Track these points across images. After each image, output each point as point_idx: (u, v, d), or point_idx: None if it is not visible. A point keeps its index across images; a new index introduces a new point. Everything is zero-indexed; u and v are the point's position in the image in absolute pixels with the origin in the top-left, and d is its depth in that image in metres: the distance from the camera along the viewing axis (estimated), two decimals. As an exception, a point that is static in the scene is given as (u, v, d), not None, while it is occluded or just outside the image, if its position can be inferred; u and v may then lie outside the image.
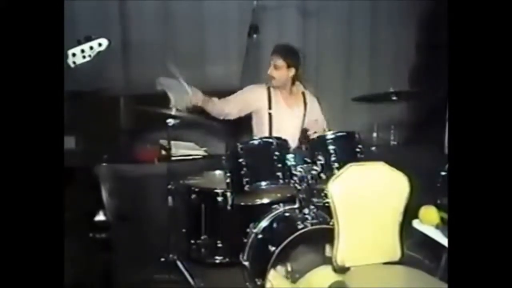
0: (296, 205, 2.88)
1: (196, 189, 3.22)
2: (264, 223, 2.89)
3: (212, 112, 3.40)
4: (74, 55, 2.23)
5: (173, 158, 3.40)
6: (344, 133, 2.90)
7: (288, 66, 3.40)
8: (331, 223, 2.36)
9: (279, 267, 2.65)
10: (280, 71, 3.40)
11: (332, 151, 2.80)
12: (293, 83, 3.50)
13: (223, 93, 4.07)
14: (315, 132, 3.35)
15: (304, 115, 3.55)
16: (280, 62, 3.38)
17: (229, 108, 3.45)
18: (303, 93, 3.57)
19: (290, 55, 3.42)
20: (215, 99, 3.44)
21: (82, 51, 2.21)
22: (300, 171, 2.79)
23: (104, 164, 3.64)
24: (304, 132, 3.55)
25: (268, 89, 3.48)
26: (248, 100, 3.49)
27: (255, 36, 3.75)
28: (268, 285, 2.57)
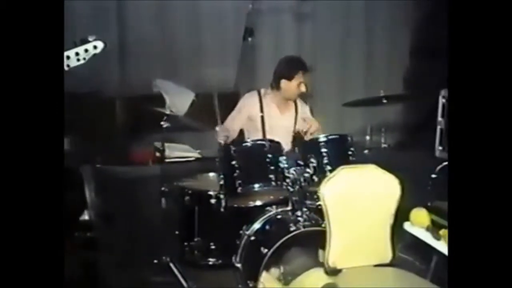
0: (289, 207, 2.90)
1: (190, 191, 3.23)
2: (256, 225, 2.90)
3: (228, 139, 3.39)
4: (68, 57, 2.19)
5: (167, 160, 3.41)
6: (337, 136, 2.93)
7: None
8: (323, 225, 2.37)
9: (272, 269, 2.66)
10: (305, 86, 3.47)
11: (324, 154, 2.82)
12: None
13: (219, 95, 4.08)
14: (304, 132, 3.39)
15: (295, 119, 3.58)
16: (304, 77, 3.45)
17: (236, 126, 3.54)
18: (294, 101, 3.61)
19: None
20: (224, 126, 3.46)
21: (77, 54, 2.17)
22: (292, 174, 2.80)
23: (98, 165, 3.64)
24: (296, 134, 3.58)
25: (259, 94, 3.53)
26: (244, 112, 3.56)
27: (250, 39, 3.77)
28: (260, 286, 2.58)
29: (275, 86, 3.51)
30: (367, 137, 3.68)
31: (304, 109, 3.65)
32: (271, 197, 3.05)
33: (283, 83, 3.47)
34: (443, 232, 2.31)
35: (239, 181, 2.78)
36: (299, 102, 3.63)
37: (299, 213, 2.81)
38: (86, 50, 2.19)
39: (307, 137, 3.29)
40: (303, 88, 3.45)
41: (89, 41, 2.21)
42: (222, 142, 3.16)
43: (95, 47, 2.21)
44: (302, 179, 2.81)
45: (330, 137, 2.90)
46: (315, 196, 2.87)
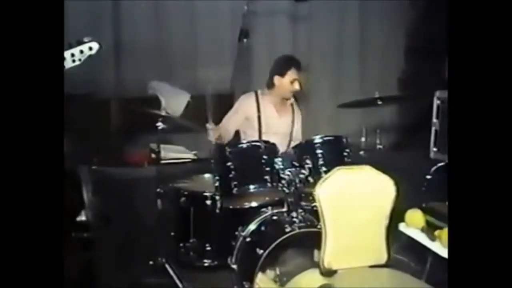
0: (284, 209, 2.89)
1: (185, 192, 3.22)
2: (252, 226, 2.89)
3: (224, 139, 3.44)
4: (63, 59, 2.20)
5: (162, 162, 3.41)
6: (332, 137, 2.93)
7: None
8: (318, 227, 2.38)
9: (267, 271, 2.66)
10: (299, 83, 3.50)
11: (320, 155, 2.83)
12: None
13: (214, 96, 4.09)
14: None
15: (293, 123, 3.61)
16: (298, 75, 3.49)
17: (232, 127, 3.56)
18: (291, 105, 3.64)
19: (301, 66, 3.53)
20: (221, 126, 3.52)
21: (72, 55, 2.16)
22: (288, 175, 2.80)
23: (94, 167, 3.64)
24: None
25: (256, 95, 3.54)
26: (241, 113, 3.58)
27: (245, 40, 3.77)
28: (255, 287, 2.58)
29: (270, 83, 3.57)
30: (362, 138, 3.69)
31: (298, 114, 3.69)
32: (267, 198, 3.04)
33: (276, 79, 3.52)
34: (438, 233, 2.32)
35: (235, 182, 2.78)
36: (295, 107, 3.66)
37: (294, 214, 2.81)
38: (81, 51, 2.18)
39: None
40: (296, 86, 3.50)
41: (84, 42, 2.20)
42: (213, 141, 3.17)
43: (90, 48, 2.21)
44: (297, 180, 2.80)
45: (325, 138, 2.90)
46: (311, 197, 2.86)
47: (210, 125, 3.33)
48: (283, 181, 2.81)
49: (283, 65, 3.53)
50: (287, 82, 3.49)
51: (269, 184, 2.80)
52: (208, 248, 3.17)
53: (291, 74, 3.48)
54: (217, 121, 3.57)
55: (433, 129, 3.11)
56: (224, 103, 3.89)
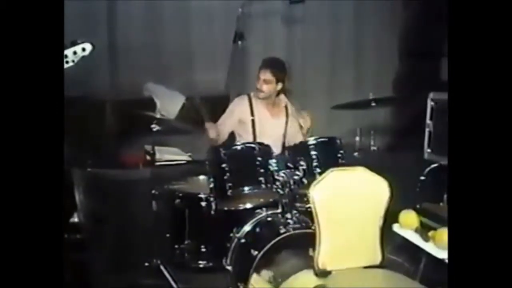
0: (279, 210, 2.91)
1: (180, 194, 3.22)
2: (247, 227, 2.91)
3: (219, 140, 3.44)
4: None
5: (157, 163, 3.41)
6: (326, 139, 2.95)
7: (277, 81, 3.47)
8: (313, 228, 2.38)
9: (262, 272, 2.67)
10: (269, 85, 3.47)
11: (314, 157, 2.85)
12: (277, 95, 3.57)
13: (210, 98, 4.10)
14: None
15: (286, 124, 3.61)
16: (270, 76, 3.44)
17: (227, 129, 3.54)
18: (285, 106, 3.64)
19: (279, 69, 3.49)
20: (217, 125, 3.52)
21: (65, 56, 2.17)
22: (282, 176, 2.81)
23: (89, 169, 3.64)
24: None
25: (250, 98, 3.54)
26: (235, 116, 3.57)
27: (240, 42, 3.78)
28: (250, 288, 2.59)
29: None
30: (357, 139, 3.70)
31: (293, 112, 3.68)
32: (261, 199, 3.05)
33: None
34: (432, 233, 2.33)
35: (229, 184, 2.79)
36: (289, 107, 3.66)
37: (289, 215, 2.83)
38: (74, 53, 2.18)
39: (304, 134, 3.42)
40: (263, 87, 3.47)
41: (77, 43, 2.19)
42: (214, 137, 3.17)
43: (83, 49, 2.20)
44: (292, 182, 2.82)
45: (319, 139, 2.92)
46: (305, 199, 2.87)
47: (208, 124, 3.33)
48: (278, 183, 2.82)
49: (259, 65, 3.52)
50: (260, 82, 3.47)
51: (263, 186, 2.81)
52: (203, 250, 3.17)
53: (261, 75, 3.46)
54: (212, 122, 3.57)
55: (427, 130, 3.12)
56: (219, 105, 3.90)
